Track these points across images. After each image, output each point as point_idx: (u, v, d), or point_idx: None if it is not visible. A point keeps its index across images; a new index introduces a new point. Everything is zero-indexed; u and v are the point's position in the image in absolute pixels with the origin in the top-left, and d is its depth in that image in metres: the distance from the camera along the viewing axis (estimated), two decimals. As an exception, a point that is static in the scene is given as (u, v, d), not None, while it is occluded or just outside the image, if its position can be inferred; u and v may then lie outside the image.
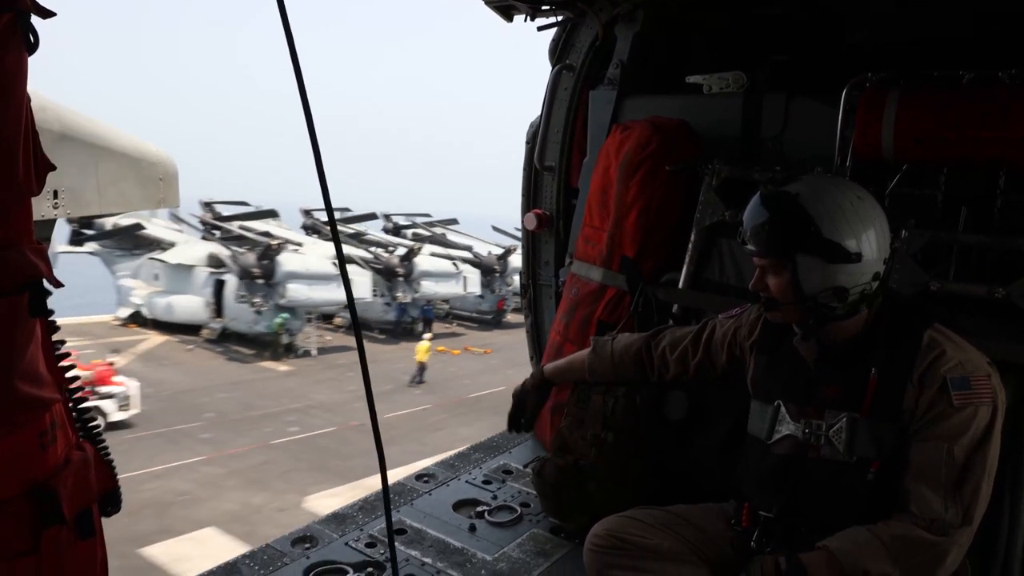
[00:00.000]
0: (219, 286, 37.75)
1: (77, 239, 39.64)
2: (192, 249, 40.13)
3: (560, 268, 5.03)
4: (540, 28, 5.03)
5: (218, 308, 37.98)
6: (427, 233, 49.06)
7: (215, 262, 38.56)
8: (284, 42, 1.94)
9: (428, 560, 3.48)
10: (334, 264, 34.60)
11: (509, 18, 4.85)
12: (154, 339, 37.73)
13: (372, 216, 49.31)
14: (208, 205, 44.49)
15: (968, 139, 3.28)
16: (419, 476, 4.37)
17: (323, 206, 2.25)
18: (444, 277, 42.09)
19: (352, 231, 44.76)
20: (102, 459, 1.82)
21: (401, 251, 41.93)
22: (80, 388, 1.81)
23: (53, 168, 1.58)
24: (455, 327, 45.66)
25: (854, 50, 4.09)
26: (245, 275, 36.03)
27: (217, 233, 40.39)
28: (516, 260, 38.90)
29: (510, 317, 44.81)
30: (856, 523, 2.31)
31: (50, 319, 1.64)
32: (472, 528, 3.77)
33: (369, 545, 3.56)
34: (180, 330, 38.54)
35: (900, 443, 2.33)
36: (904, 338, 2.38)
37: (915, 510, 2.24)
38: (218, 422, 26.72)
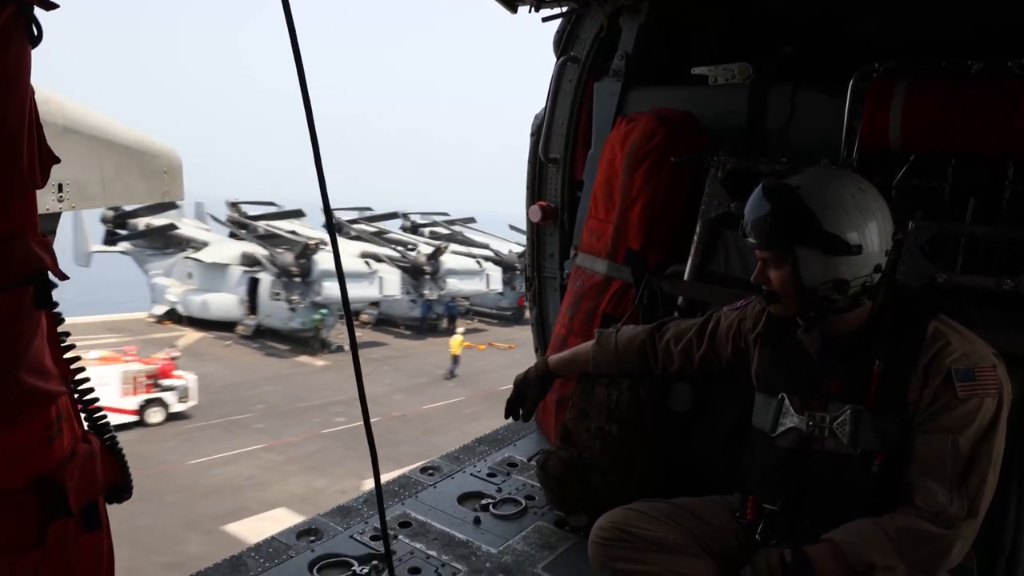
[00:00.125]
0: (253, 284, 39.02)
1: (111, 239, 41.72)
2: (226, 248, 41.41)
3: (565, 260, 5.02)
4: (544, 19, 5.01)
5: (252, 305, 39.27)
6: (446, 231, 50.14)
7: (248, 261, 39.79)
8: (291, 43, 1.93)
9: (433, 553, 3.49)
10: (367, 263, 37.56)
11: (514, 9, 4.83)
12: (191, 335, 38.84)
13: (394, 215, 50.55)
14: (235, 205, 45.27)
15: (976, 129, 3.26)
16: (424, 469, 4.37)
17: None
18: (468, 275, 43.30)
19: (375, 229, 46.16)
20: (108, 452, 1.82)
21: (427, 249, 43.12)
22: (86, 380, 1.81)
23: (57, 161, 1.58)
24: (476, 323, 46.72)
25: (861, 40, 4.07)
26: (283, 273, 37.22)
27: (243, 232, 41.69)
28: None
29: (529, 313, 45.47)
30: (861, 516, 2.31)
31: (55, 311, 1.64)
32: (477, 521, 3.77)
33: (374, 538, 3.56)
34: (215, 327, 39.74)
35: (904, 435, 2.33)
36: (908, 329, 2.37)
37: (920, 503, 2.23)
38: (268, 413, 28.15)
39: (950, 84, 3.35)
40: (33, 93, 1.48)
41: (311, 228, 43.29)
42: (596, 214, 4.47)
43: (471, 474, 4.31)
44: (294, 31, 1.91)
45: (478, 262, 44.34)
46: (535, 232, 5.30)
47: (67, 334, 1.72)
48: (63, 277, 1.59)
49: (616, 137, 4.35)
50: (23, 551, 1.52)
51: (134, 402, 26.07)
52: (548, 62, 5.10)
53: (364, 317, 42.83)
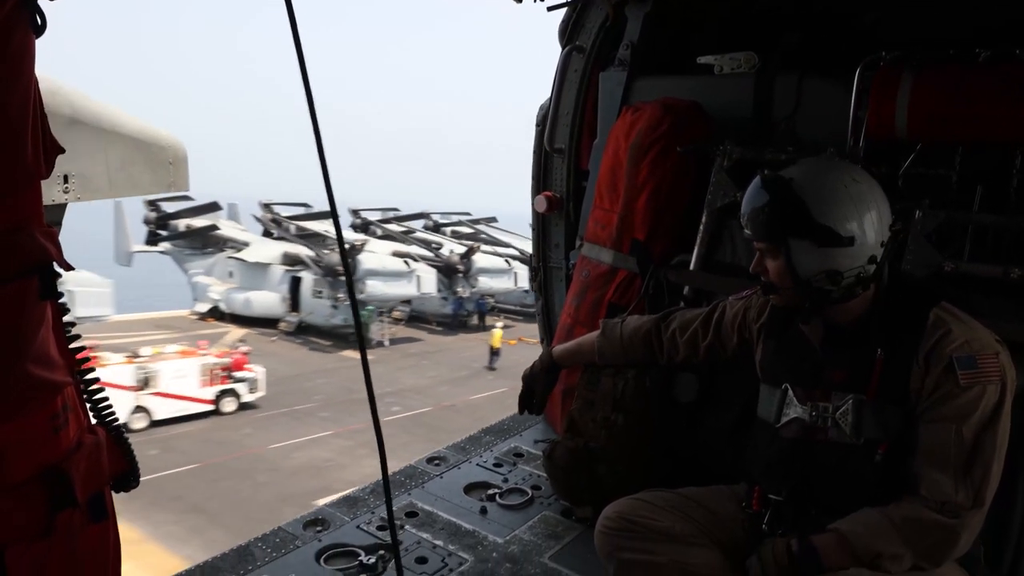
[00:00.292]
0: (295, 282, 41.11)
1: (153, 239, 43.91)
2: (267, 248, 43.57)
3: (570, 250, 5.02)
4: (550, 8, 4.99)
5: (294, 303, 41.37)
6: (469, 230, 52.15)
7: (289, 260, 41.92)
8: (298, 45, 1.92)
9: (439, 543, 3.50)
10: (405, 263, 40.20)
11: None
12: (235, 332, 40.10)
13: (421, 215, 52.59)
14: (267, 206, 47.15)
15: (983, 118, 3.24)
16: (430, 459, 4.38)
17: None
18: (498, 273, 45.08)
19: (404, 228, 48.52)
20: (114, 442, 1.82)
21: (458, 248, 45.44)
22: (92, 371, 1.81)
23: (62, 151, 1.57)
24: (502, 319, 47.84)
25: (867, 29, 4.05)
26: (329, 272, 38.87)
27: (285, 232, 43.94)
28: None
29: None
30: (865, 505, 2.31)
31: (60, 302, 1.64)
32: (483, 511, 3.78)
33: (381, 528, 3.57)
34: (256, 323, 41.49)
35: (908, 424, 2.32)
36: (909, 318, 2.36)
37: (925, 493, 2.23)
38: (328, 403, 30.00)
39: (957, 72, 3.32)
40: (37, 83, 1.47)
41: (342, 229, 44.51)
42: (601, 204, 4.46)
43: (477, 464, 4.32)
44: (296, 30, 1.90)
45: (507, 261, 45.87)
46: (540, 222, 5.29)
47: (72, 324, 1.72)
48: (68, 268, 1.59)
49: (621, 127, 4.34)
50: (31, 541, 1.52)
51: (211, 392, 28.60)
52: (551, 58, 5.10)
53: (396, 314, 44.52)
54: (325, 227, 42.19)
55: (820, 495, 2.46)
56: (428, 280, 41.21)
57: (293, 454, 24.67)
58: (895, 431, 2.33)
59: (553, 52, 5.12)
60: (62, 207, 3.14)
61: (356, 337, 2.46)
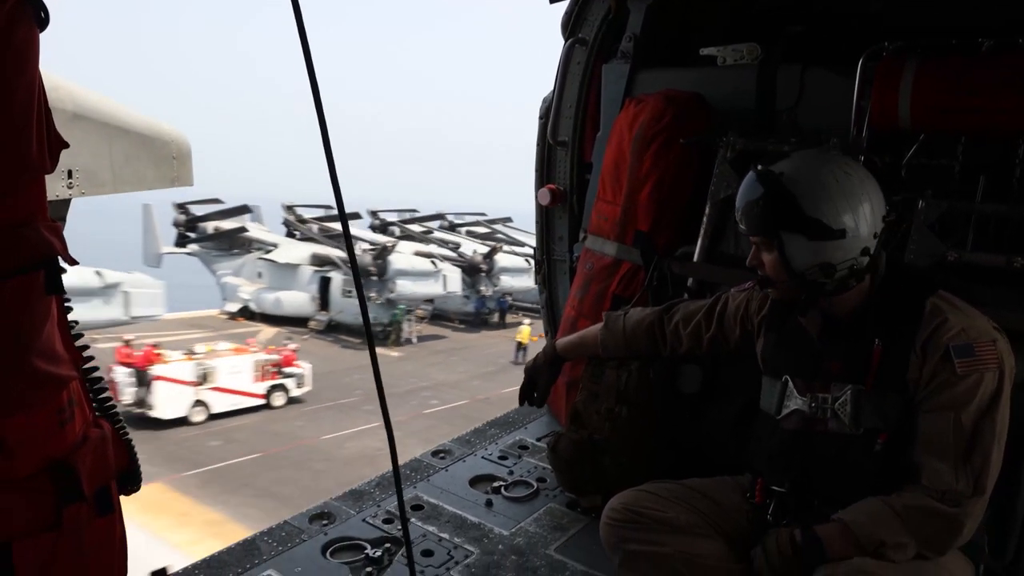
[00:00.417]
0: (325, 282, 42.39)
1: (182, 241, 45.04)
2: (296, 249, 44.72)
3: (574, 243, 5.01)
4: (552, 1, 4.98)
5: (324, 302, 42.63)
6: (485, 230, 53.43)
7: (318, 261, 43.16)
8: (306, 48, 1.91)
9: (445, 535, 3.51)
10: (432, 263, 41.87)
11: None
12: (267, 331, 40.84)
13: (439, 216, 53.76)
14: (290, 208, 48.34)
15: (986, 108, 3.22)
16: (435, 452, 4.40)
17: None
18: (518, 272, 45.85)
19: (424, 229, 49.76)
20: (119, 437, 1.83)
21: (481, 248, 47.09)
22: (96, 367, 1.82)
23: (66, 146, 1.58)
24: (520, 317, 48.74)
25: (870, 20, 4.03)
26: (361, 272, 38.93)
27: (315, 233, 45.53)
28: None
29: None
30: (867, 495, 2.32)
31: (64, 297, 1.65)
32: (489, 503, 3.80)
33: (386, 521, 3.58)
34: (286, 322, 42.56)
35: (907, 414, 2.33)
36: (906, 307, 2.36)
37: (926, 482, 2.23)
38: (369, 398, 29.42)
39: (960, 62, 3.31)
40: (41, 78, 1.48)
41: (361, 229, 46.63)
42: (605, 196, 4.45)
43: (483, 457, 4.33)
44: (303, 29, 1.89)
45: (527, 260, 46.30)
46: (544, 215, 5.28)
47: (76, 322, 1.73)
48: (73, 262, 1.60)
49: (624, 119, 4.33)
50: (40, 535, 1.53)
51: (263, 387, 30.20)
52: (552, 55, 5.09)
53: (419, 312, 45.17)
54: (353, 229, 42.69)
55: (821, 486, 2.46)
56: (454, 279, 42.77)
57: (345, 444, 25.92)
58: (894, 421, 2.34)
59: (554, 49, 5.12)
60: (66, 202, 3.15)
61: (368, 334, 2.47)
